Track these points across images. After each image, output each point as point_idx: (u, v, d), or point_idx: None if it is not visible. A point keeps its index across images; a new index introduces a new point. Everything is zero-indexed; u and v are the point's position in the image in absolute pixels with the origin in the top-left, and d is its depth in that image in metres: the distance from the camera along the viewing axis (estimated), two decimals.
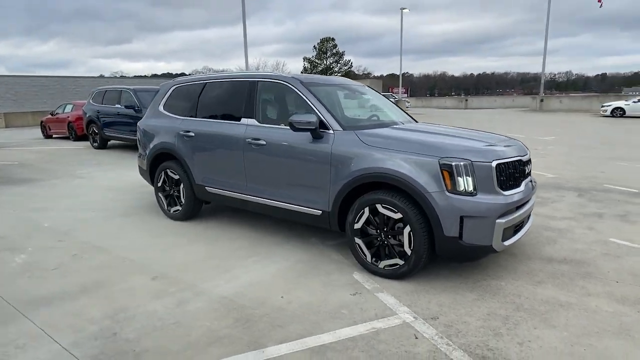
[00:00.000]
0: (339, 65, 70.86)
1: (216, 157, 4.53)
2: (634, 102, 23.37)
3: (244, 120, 4.32)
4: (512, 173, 3.33)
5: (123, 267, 3.75)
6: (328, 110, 3.81)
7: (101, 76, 46.03)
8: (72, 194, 6.57)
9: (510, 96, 55.44)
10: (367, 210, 3.45)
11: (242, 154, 4.24)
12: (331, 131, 3.70)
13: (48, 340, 2.63)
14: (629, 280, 3.39)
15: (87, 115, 12.46)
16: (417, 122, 4.61)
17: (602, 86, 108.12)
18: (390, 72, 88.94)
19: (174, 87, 5.22)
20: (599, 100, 29.74)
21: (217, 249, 4.18)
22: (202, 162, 4.66)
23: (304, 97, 3.95)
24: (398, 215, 3.28)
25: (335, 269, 3.68)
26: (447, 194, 3.09)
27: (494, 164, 3.15)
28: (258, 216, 5.16)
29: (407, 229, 3.24)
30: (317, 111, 3.81)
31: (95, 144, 12.35)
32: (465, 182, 3.09)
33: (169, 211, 5.14)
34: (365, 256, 3.53)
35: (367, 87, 5.06)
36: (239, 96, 4.45)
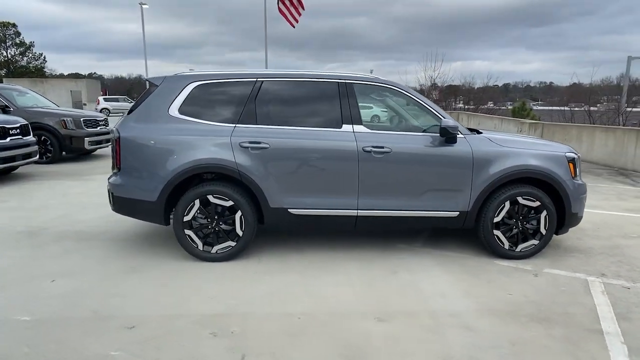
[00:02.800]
0: (26, 59, 57.52)
1: (311, 170, 3.82)
2: None
3: (346, 127, 3.87)
4: None
5: (327, 325, 2.87)
6: (449, 116, 4.01)
7: None
8: None
9: None
10: (507, 204, 3.94)
11: (357, 165, 3.81)
12: (461, 135, 3.94)
13: None
14: (615, 231, 5.18)
15: None
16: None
17: None
18: (74, 72, 70.80)
19: (193, 85, 3.89)
20: None
21: (352, 276, 3.65)
22: (284, 179, 3.80)
23: (423, 104, 4.00)
24: (536, 204, 3.95)
25: (475, 264, 3.96)
26: (573, 180, 4.01)
27: (579, 155, 4.28)
28: (285, 235, 4.55)
29: (544, 213, 3.97)
30: (444, 117, 3.94)
31: None
32: (577, 171, 4.09)
33: (209, 252, 3.84)
34: (503, 244, 4.01)
35: None
36: (329, 100, 3.92)
